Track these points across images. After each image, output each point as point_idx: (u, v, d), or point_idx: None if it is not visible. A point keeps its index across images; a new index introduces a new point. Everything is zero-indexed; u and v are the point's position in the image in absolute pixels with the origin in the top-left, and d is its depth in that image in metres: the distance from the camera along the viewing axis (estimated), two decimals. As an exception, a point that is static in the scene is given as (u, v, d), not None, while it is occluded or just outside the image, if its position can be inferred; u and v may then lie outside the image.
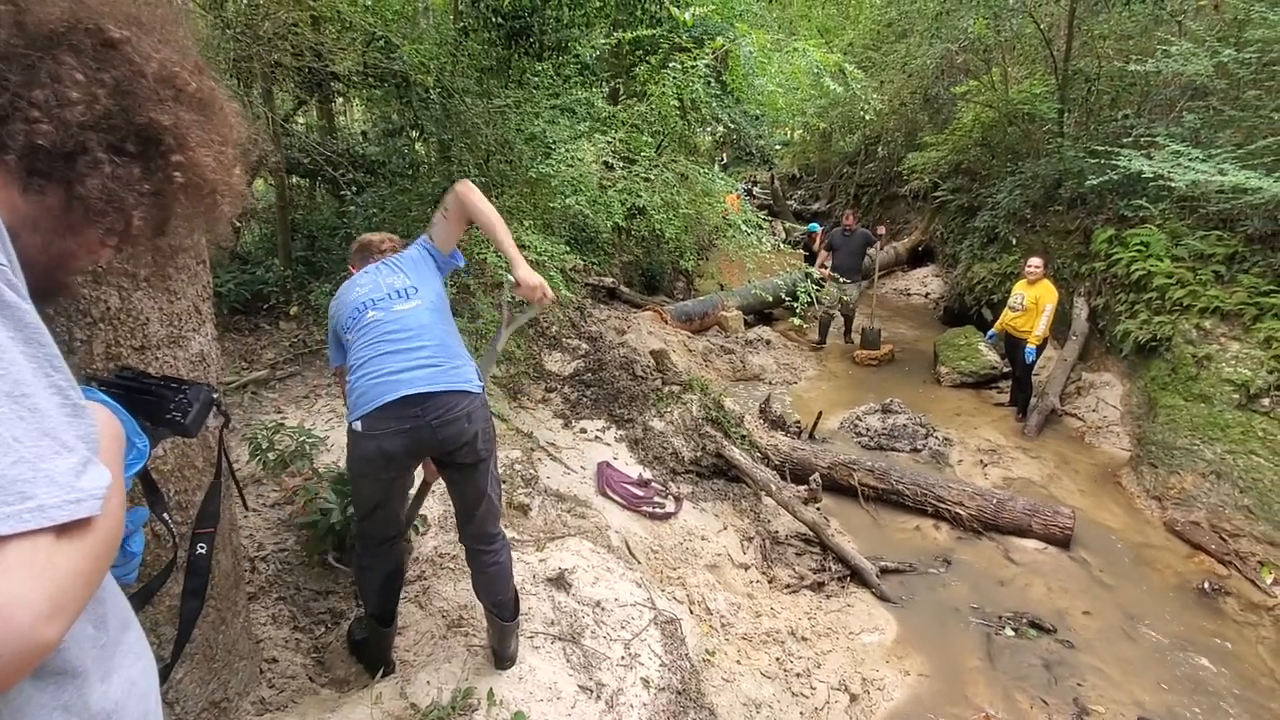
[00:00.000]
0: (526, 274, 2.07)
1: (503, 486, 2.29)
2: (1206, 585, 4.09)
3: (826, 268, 8.33)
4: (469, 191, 2.08)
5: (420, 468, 2.23)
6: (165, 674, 1.15)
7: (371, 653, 2.32)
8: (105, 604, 0.73)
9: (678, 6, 5.45)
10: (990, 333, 6.63)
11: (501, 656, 2.30)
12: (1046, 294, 5.90)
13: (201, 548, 1.25)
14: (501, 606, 2.20)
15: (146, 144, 0.70)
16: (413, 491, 2.39)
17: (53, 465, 0.56)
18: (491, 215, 2.07)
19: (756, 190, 17.46)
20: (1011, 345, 6.26)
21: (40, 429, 0.56)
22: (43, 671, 0.62)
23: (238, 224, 6.48)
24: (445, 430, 1.95)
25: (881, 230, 9.33)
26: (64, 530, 0.56)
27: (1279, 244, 5.37)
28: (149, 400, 0.99)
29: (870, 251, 8.73)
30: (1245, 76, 5.64)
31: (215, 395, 1.10)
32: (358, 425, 1.95)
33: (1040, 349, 5.99)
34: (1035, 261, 6.04)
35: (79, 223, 0.68)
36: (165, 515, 1.07)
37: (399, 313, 2.06)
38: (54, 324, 1.40)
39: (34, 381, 0.57)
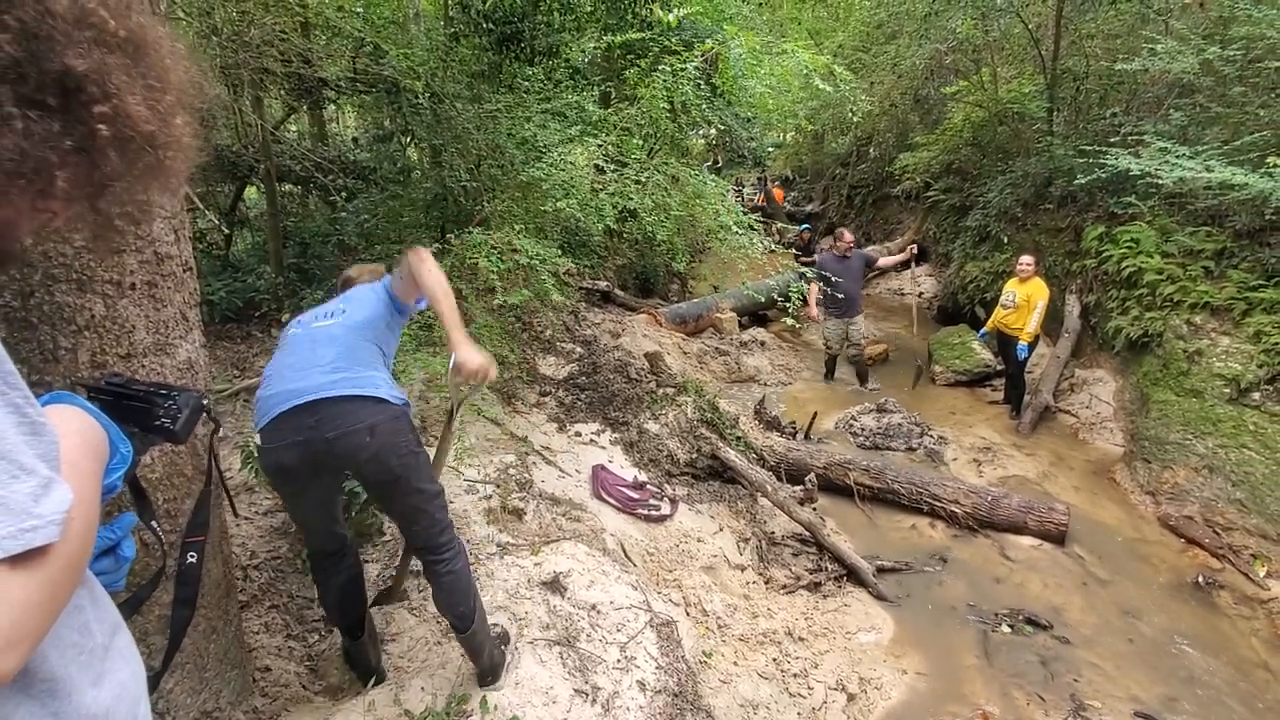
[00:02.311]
0: (467, 354, 1.91)
1: (446, 508, 2.09)
2: (1200, 579, 4.11)
3: (818, 307, 6.90)
4: (419, 261, 2.01)
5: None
6: (155, 682, 1.14)
7: (355, 665, 2.29)
8: (86, 612, 0.72)
9: (664, 8, 5.47)
10: (982, 331, 6.66)
11: (480, 673, 2.20)
12: (1038, 291, 5.93)
13: (192, 556, 1.23)
14: (463, 619, 2.08)
15: (66, 94, 0.61)
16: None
17: (8, 491, 0.53)
18: (436, 288, 1.99)
19: (747, 192, 17.47)
20: (1004, 343, 6.30)
21: None
22: (31, 680, 0.61)
23: (227, 229, 6.46)
24: (341, 443, 1.82)
25: (910, 251, 7.36)
26: (18, 560, 0.53)
27: (1267, 239, 5.40)
28: (138, 407, 0.99)
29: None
30: (1231, 74, 5.67)
31: (205, 401, 1.10)
32: (257, 438, 1.91)
33: (1032, 346, 6.02)
34: (1026, 259, 6.07)
35: (3, 188, 0.61)
36: (154, 523, 1.06)
37: (316, 328, 2.06)
38: (38, 332, 1.39)
39: None
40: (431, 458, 2.16)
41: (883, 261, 7.43)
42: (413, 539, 2.08)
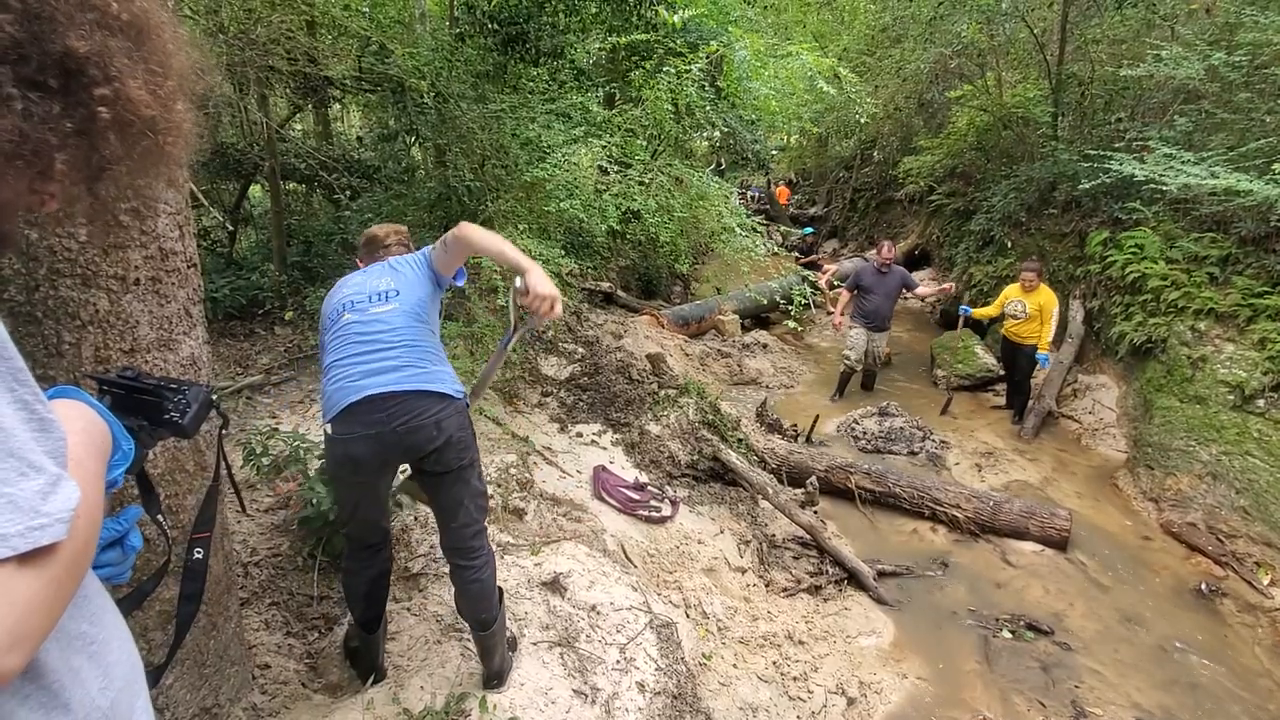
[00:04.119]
0: (540, 279, 1.85)
1: (490, 497, 2.15)
2: (1203, 586, 4.09)
3: (844, 316, 6.75)
4: (467, 229, 2.05)
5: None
6: (156, 677, 1.14)
7: (361, 660, 2.30)
8: (93, 601, 0.72)
9: (669, 10, 5.48)
10: (964, 308, 6.63)
11: (487, 675, 2.22)
12: (1050, 301, 5.88)
13: (198, 552, 1.23)
14: (484, 625, 2.13)
15: (67, 76, 0.61)
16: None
17: (17, 489, 0.53)
18: (491, 240, 2.01)
19: (751, 194, 17.50)
20: (1011, 351, 6.24)
21: (4, 449, 0.53)
22: (41, 671, 0.62)
23: (231, 227, 6.47)
24: (411, 436, 1.91)
25: (949, 288, 7.05)
26: (26, 558, 0.53)
27: (1272, 245, 5.39)
28: (148, 400, 0.99)
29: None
30: (1236, 80, 5.66)
31: (214, 397, 1.10)
32: (328, 428, 1.95)
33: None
34: (1030, 271, 5.95)
35: (1, 169, 0.61)
36: (159, 517, 1.07)
37: (373, 315, 2.06)
38: (42, 326, 1.40)
39: None
40: (478, 379, 2.19)
41: (921, 290, 7.04)
42: (448, 536, 2.09)
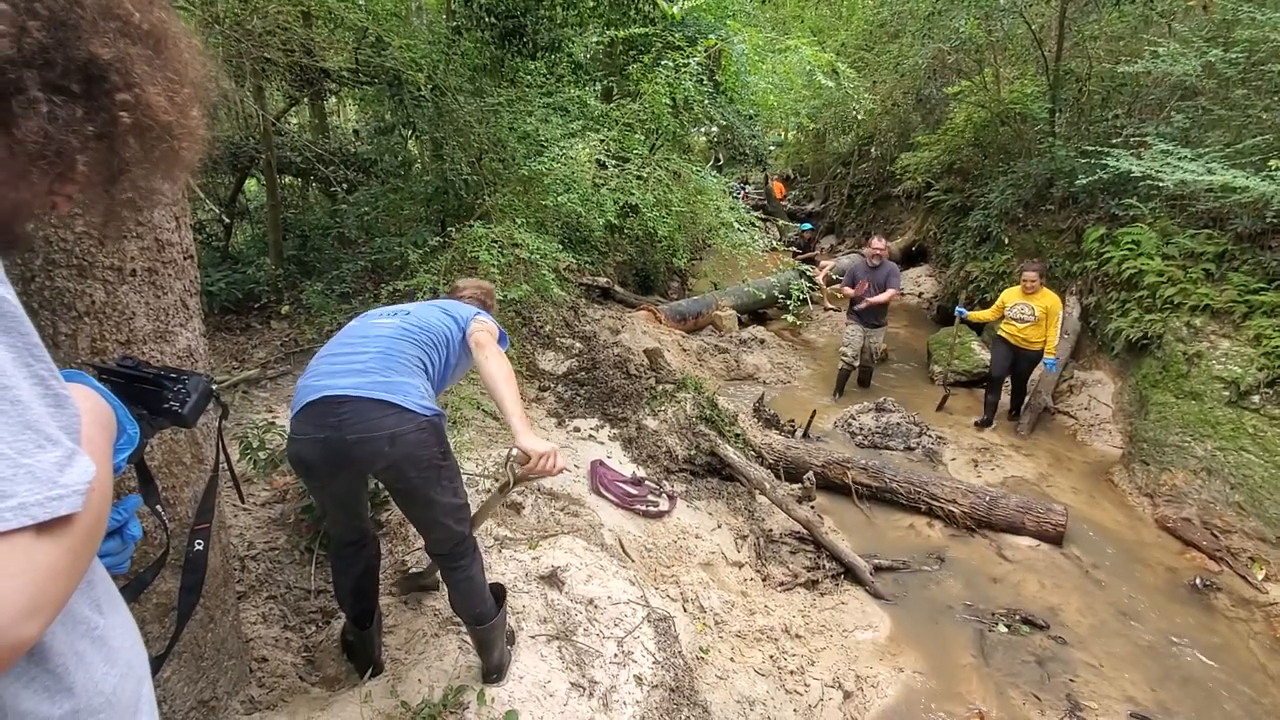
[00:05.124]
0: (533, 443, 1.83)
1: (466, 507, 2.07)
2: (1198, 581, 4.11)
3: (862, 291, 6.62)
4: (480, 349, 2.01)
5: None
6: (154, 669, 1.14)
7: (358, 654, 2.30)
8: (97, 588, 0.73)
9: (668, 0, 5.46)
10: (960, 309, 6.50)
11: (486, 669, 2.22)
12: (1055, 304, 5.78)
13: (199, 544, 1.24)
14: (479, 620, 2.10)
15: (89, 82, 0.64)
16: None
17: (35, 460, 0.55)
18: (496, 378, 1.94)
19: (750, 190, 17.47)
20: (1012, 355, 6.09)
21: (22, 421, 0.55)
22: (47, 654, 0.63)
23: (227, 220, 6.44)
24: (361, 448, 1.79)
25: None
26: (44, 527, 0.55)
27: (1268, 242, 5.40)
28: (148, 389, 0.99)
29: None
30: (1233, 76, 5.67)
31: (214, 387, 1.10)
32: (287, 426, 1.92)
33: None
34: (1031, 274, 5.83)
35: (25, 169, 0.63)
36: (158, 507, 1.07)
37: (372, 323, 2.06)
38: (38, 317, 1.39)
39: (14, 372, 0.55)
40: (473, 511, 2.15)
41: (888, 293, 6.65)
42: (429, 545, 2.07)
